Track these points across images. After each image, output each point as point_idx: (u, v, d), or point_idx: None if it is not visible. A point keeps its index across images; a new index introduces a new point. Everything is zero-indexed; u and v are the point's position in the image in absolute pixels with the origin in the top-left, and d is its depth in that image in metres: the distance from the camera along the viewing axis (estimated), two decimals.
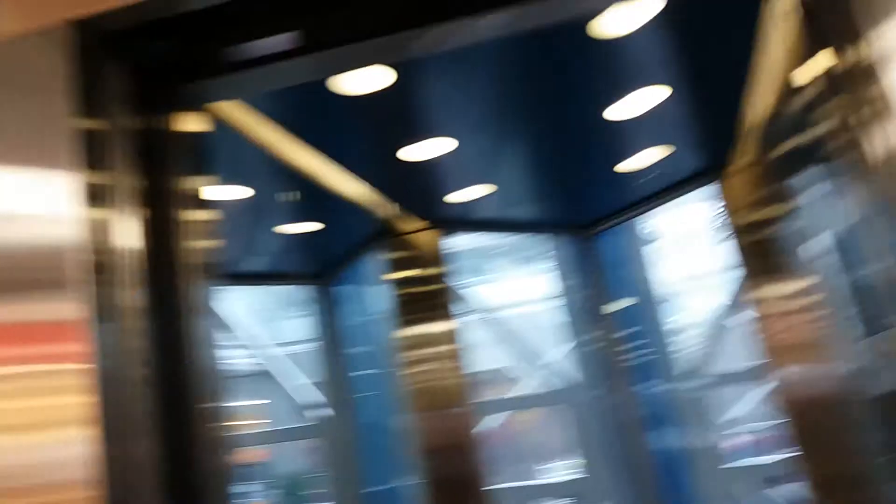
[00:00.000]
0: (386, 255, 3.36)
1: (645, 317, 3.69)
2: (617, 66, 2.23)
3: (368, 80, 2.04)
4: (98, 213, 1.25)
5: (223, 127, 2.14)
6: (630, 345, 3.66)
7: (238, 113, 2.15)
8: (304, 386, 4.00)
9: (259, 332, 4.52)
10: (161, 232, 1.45)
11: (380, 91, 2.11)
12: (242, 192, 2.69)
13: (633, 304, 3.72)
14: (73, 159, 1.22)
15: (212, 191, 1.57)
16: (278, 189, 2.77)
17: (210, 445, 1.38)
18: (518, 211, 3.53)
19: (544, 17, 1.54)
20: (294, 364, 4.11)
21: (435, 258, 3.35)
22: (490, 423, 4.10)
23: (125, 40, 1.40)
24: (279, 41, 1.55)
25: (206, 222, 1.52)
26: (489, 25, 1.50)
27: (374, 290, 3.54)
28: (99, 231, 1.23)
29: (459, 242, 3.47)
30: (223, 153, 2.40)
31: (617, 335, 3.68)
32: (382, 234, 3.34)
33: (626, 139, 2.82)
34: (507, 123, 2.56)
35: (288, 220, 3.16)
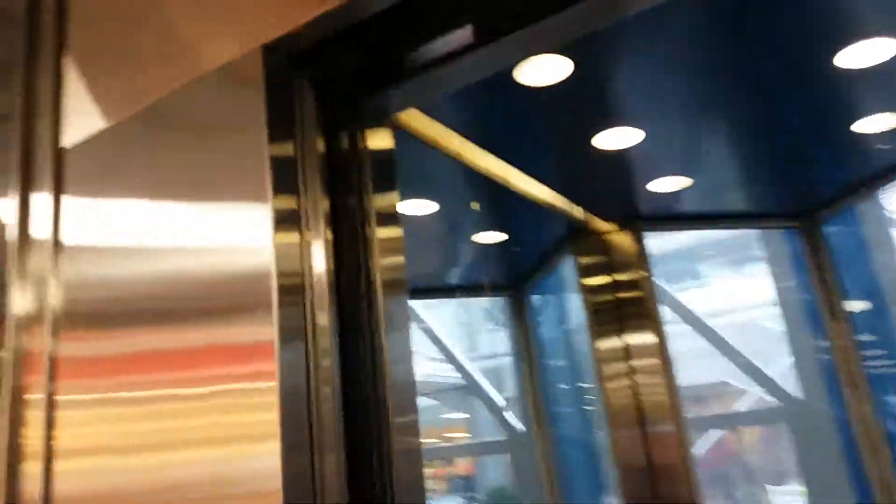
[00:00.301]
0: (580, 260, 3.20)
1: (887, 319, 3.16)
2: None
3: (547, 71, 1.92)
4: (286, 238, 1.25)
5: (406, 139, 2.14)
6: (868, 353, 3.14)
7: (419, 124, 2.13)
8: (502, 399, 3.94)
9: (463, 345, 4.56)
10: (350, 251, 1.45)
11: (560, 83, 1.98)
12: (428, 205, 2.69)
13: (873, 304, 3.20)
14: (263, 187, 1.24)
15: (399, 206, 1.54)
16: (464, 200, 2.73)
17: (403, 459, 1.35)
18: (724, 201, 3.15)
19: None
20: (494, 377, 4.07)
21: (633, 261, 3.12)
22: (701, 442, 3.75)
23: (309, 59, 1.41)
24: (454, 38, 1.49)
25: (395, 238, 1.49)
26: None
27: (570, 298, 3.39)
28: (286, 255, 1.24)
29: (661, 243, 3.21)
30: (407, 166, 2.40)
31: (852, 342, 3.18)
32: (575, 238, 3.19)
33: (863, 93, 2.33)
34: (704, 94, 2.25)
35: (476, 230, 3.12)
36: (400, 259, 1.45)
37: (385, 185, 1.48)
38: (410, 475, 1.33)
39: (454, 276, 3.80)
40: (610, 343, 3.04)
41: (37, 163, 1.61)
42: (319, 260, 1.29)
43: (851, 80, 2.21)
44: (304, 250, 1.26)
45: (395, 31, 1.45)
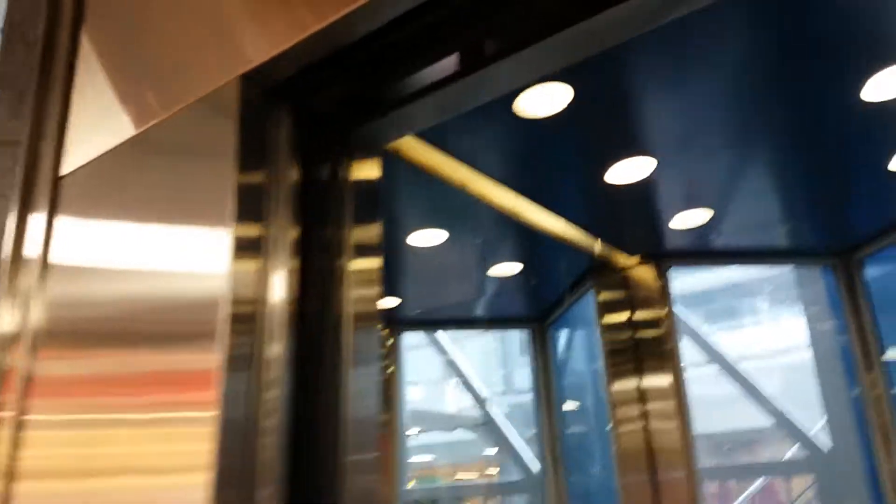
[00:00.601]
0: (600, 296, 3.12)
1: None
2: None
3: (546, 100, 1.89)
4: (244, 265, 1.25)
5: (408, 169, 2.12)
6: None
7: (420, 153, 2.11)
8: (519, 438, 3.84)
9: (495, 378, 4.48)
10: (319, 282, 1.42)
11: (561, 112, 1.94)
12: (438, 235, 2.66)
13: None
14: (226, 213, 1.24)
15: (378, 237, 1.51)
16: (474, 230, 2.70)
17: (356, 497, 1.30)
18: (753, 237, 3.03)
19: None
20: (522, 413, 3.99)
21: (655, 298, 3.02)
22: (728, 492, 3.58)
23: (289, 88, 1.40)
24: (443, 65, 1.46)
25: (371, 270, 1.46)
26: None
27: (592, 334, 3.30)
28: (242, 282, 1.23)
29: (688, 282, 3.10)
30: (413, 195, 2.39)
31: (885, 392, 3.00)
32: (596, 272, 3.11)
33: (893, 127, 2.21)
34: (723, 124, 2.15)
35: (492, 261, 3.07)
36: (375, 291, 1.42)
37: (366, 215, 1.45)
38: None
39: (479, 308, 3.75)
40: (626, 384, 2.94)
41: (38, 187, 1.65)
42: (279, 289, 1.26)
43: (880, 115, 2.11)
44: (262, 278, 1.24)
45: (381, 58, 1.43)
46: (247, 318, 1.18)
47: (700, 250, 3.02)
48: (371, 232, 1.46)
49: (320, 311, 1.35)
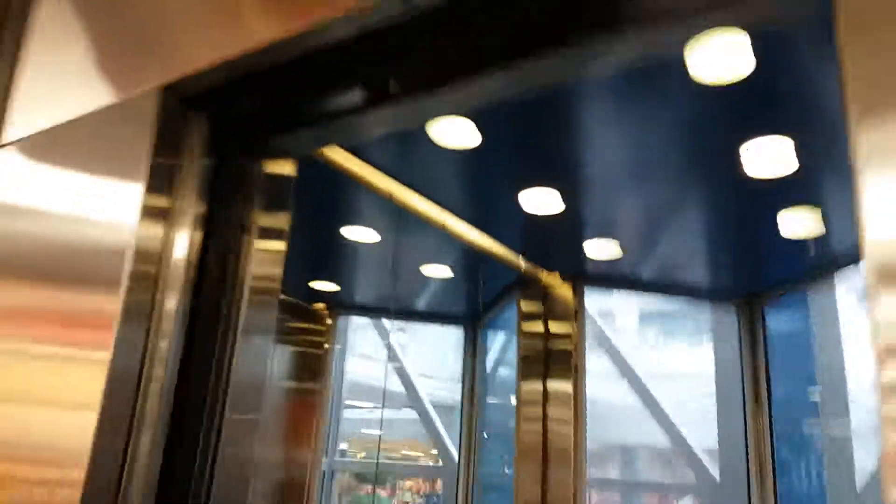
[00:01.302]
0: (522, 305, 3.37)
1: (803, 411, 3.23)
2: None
3: (456, 132, 2.12)
4: (152, 229, 1.44)
5: (341, 174, 2.35)
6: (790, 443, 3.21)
7: (347, 161, 2.33)
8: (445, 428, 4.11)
9: (445, 370, 4.72)
10: (220, 253, 1.63)
11: (471, 146, 2.18)
12: (368, 234, 2.90)
13: (794, 397, 3.28)
14: (140, 186, 1.45)
15: (285, 225, 1.75)
16: (403, 234, 2.94)
17: (230, 452, 1.49)
18: (667, 273, 3.30)
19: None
20: (445, 405, 4.25)
21: (569, 314, 3.28)
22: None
23: (205, 100, 1.64)
24: (350, 97, 1.69)
25: (275, 252, 1.70)
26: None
27: (513, 339, 3.55)
28: (148, 241, 1.42)
29: (611, 302, 3.36)
30: (348, 197, 2.63)
31: (766, 429, 3.25)
32: (521, 284, 3.36)
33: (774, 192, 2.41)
34: (624, 170, 2.38)
35: (423, 263, 3.31)
36: (276, 271, 1.65)
37: (275, 205, 1.69)
38: (235, 470, 1.51)
39: (419, 302, 4.00)
40: (533, 388, 3.20)
41: None
42: (180, 251, 1.48)
43: (763, 185, 2.34)
44: (166, 241, 1.45)
45: (294, 83, 1.66)
46: (148, 273, 1.38)
47: (615, 277, 3.28)
48: (278, 220, 1.69)
49: (220, 280, 1.55)
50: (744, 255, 3.04)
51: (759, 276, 3.28)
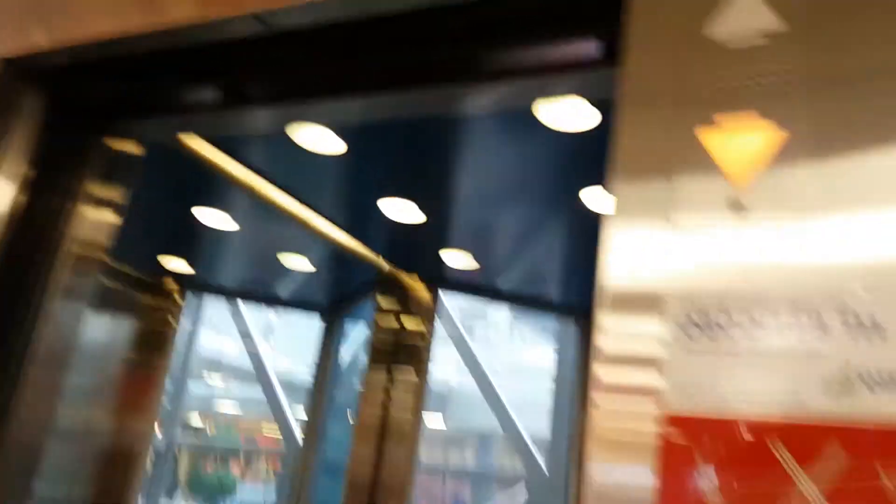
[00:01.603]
0: (379, 300, 3.49)
1: None
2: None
3: (318, 140, 2.18)
4: None
5: (205, 164, 2.34)
6: None
7: (206, 151, 2.33)
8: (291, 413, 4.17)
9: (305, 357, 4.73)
10: (43, 216, 1.64)
11: (333, 154, 2.25)
12: (225, 219, 2.90)
13: None
14: None
15: (119, 200, 1.77)
16: (261, 224, 2.96)
17: (30, 414, 1.54)
18: (518, 286, 3.52)
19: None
20: (291, 391, 4.30)
21: (423, 314, 3.43)
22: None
23: (47, 78, 1.65)
24: (202, 95, 1.73)
25: (104, 223, 1.72)
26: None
27: (366, 331, 3.66)
28: None
29: (461, 303, 3.53)
30: (206, 183, 2.62)
31: None
32: (380, 281, 3.47)
33: None
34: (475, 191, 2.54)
35: (282, 253, 3.33)
36: (102, 239, 1.69)
37: (116, 179, 1.74)
38: (30, 430, 1.53)
39: (278, 289, 4.00)
40: (379, 377, 3.35)
41: None
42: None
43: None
44: None
45: (144, 73, 1.69)
46: None
47: (471, 285, 3.47)
48: (113, 192, 1.73)
49: (37, 241, 1.59)
50: (585, 274, 3.31)
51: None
